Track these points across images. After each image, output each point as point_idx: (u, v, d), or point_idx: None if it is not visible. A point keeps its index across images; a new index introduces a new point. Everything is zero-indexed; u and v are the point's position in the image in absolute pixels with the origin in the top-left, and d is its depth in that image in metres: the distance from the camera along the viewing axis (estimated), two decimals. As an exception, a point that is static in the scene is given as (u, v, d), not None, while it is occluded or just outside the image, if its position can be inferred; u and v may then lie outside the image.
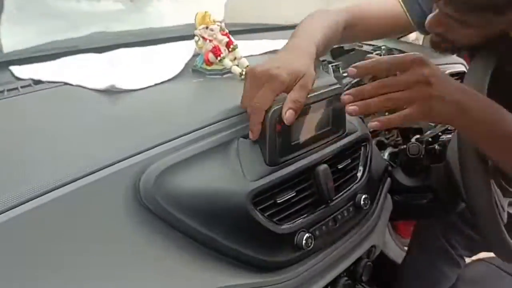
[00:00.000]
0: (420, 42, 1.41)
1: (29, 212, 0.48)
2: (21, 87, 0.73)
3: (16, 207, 0.48)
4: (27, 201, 0.49)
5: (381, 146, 1.02)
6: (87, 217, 0.53)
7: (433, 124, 1.08)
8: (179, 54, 0.84)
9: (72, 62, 0.85)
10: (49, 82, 0.74)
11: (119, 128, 0.62)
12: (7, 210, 0.47)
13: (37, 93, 0.71)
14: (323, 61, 0.95)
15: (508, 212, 0.80)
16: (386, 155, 0.98)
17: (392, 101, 0.60)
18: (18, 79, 0.77)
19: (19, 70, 0.79)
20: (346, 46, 1.14)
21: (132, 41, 0.96)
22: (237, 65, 0.80)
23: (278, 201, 0.65)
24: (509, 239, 0.76)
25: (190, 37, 0.84)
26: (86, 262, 0.52)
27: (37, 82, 0.75)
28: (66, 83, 0.73)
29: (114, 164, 0.56)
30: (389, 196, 0.91)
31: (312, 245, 0.67)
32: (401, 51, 1.14)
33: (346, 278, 0.78)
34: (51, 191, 0.50)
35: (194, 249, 0.60)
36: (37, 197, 0.49)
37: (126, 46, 0.93)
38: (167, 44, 0.96)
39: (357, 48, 1.12)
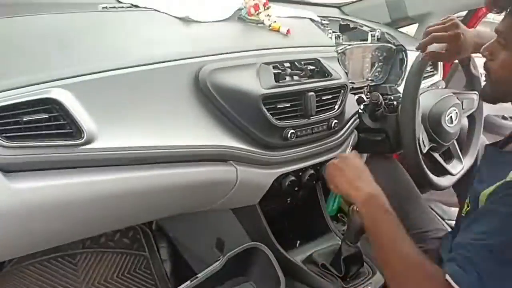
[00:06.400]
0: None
1: (121, 75, 0.86)
2: (120, 7, 1.11)
3: (111, 70, 0.86)
4: (123, 67, 0.87)
5: (360, 101, 1.39)
6: (162, 88, 0.92)
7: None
8: (232, 4, 1.22)
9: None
10: (143, 7, 1.13)
11: (187, 41, 1.00)
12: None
13: (134, 12, 1.09)
14: (329, 29, 1.33)
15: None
16: (362, 106, 1.35)
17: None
18: (120, 2, 1.15)
19: (121, -3, 1.17)
20: (351, 25, 1.51)
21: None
22: (269, 20, 1.18)
23: (278, 106, 1.04)
24: (425, 167, 1.15)
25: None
26: (156, 113, 0.90)
27: (135, 6, 1.13)
28: (155, 10, 1.11)
29: (184, 59, 0.95)
30: (355, 131, 1.29)
31: (294, 138, 1.06)
32: (391, 36, 1.50)
33: (312, 171, 1.18)
34: (139, 66, 0.89)
35: (222, 120, 0.99)
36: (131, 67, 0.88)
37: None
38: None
39: (358, 27, 1.49)
